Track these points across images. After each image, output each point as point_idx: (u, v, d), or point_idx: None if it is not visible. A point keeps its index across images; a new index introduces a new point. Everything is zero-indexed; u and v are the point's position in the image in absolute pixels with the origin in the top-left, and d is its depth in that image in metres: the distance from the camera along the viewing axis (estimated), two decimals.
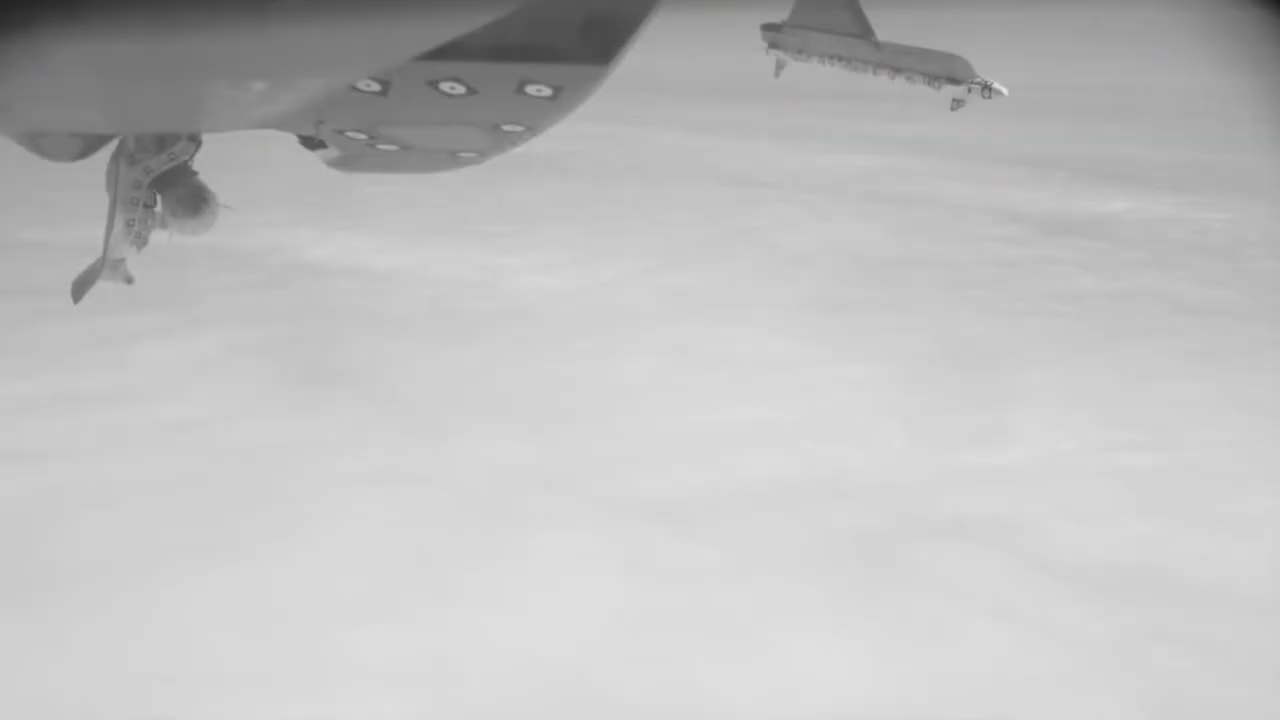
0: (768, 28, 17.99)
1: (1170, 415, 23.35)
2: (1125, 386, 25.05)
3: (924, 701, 14.45)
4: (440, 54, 3.76)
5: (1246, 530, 18.80)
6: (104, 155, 6.16)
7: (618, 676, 14.68)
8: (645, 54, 4.61)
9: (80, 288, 6.60)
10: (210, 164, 6.25)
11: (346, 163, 5.65)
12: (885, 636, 15.81)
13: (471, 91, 4.47)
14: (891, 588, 17.02)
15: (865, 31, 17.21)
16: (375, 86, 4.40)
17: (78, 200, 9.69)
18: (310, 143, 5.43)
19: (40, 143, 5.70)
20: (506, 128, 5.04)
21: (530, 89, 4.50)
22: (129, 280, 6.51)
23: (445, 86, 4.44)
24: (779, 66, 18.15)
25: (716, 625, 15.93)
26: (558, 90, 4.53)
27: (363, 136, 5.25)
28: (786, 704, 14.32)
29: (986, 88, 17.03)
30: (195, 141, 6.02)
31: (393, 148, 5.39)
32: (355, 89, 4.39)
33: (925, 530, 18.67)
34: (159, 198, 6.08)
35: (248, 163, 13.73)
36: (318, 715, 13.83)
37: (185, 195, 6.04)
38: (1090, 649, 15.73)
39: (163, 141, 5.88)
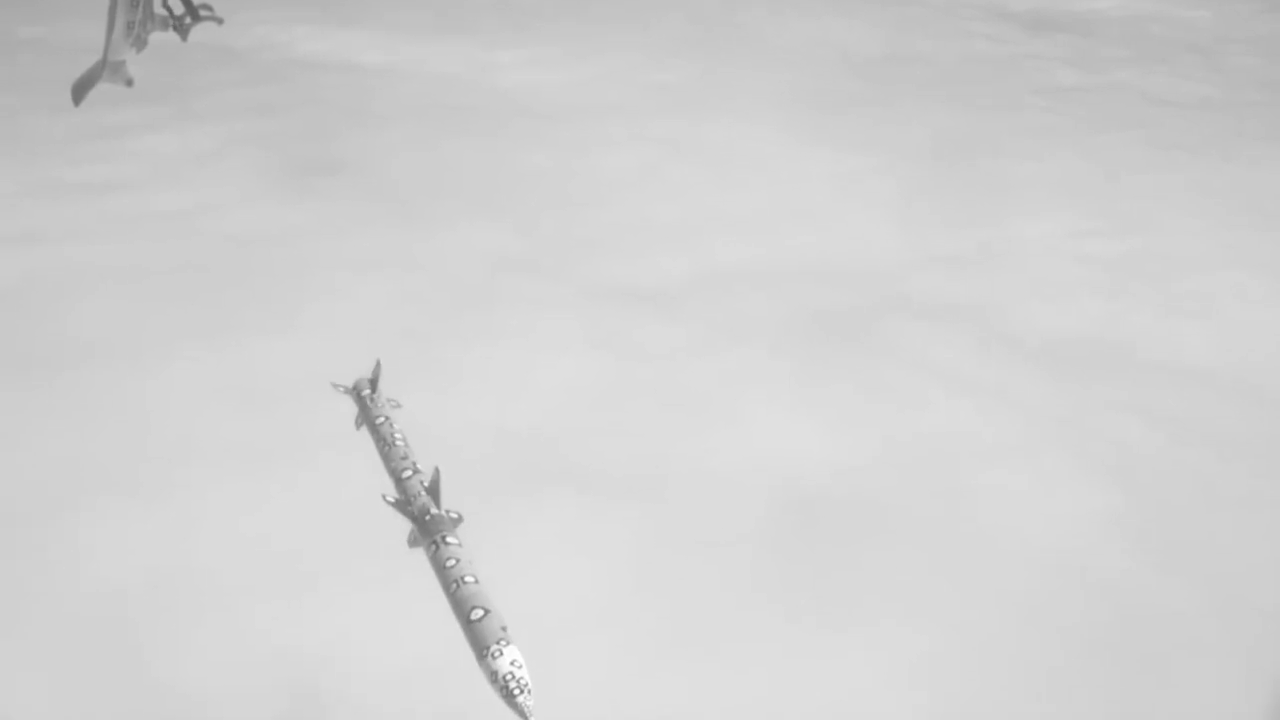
0: None
1: (1140, 204, 23.86)
2: (1100, 177, 25.53)
3: (881, 461, 15.03)
4: None
5: (1201, 310, 19.41)
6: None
7: (586, 444, 15.27)
8: None
9: (81, 89, 6.62)
10: None
11: None
12: (848, 403, 16.35)
13: None
14: (857, 361, 17.52)
15: None
16: None
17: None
18: None
19: None
20: None
21: None
22: (129, 82, 6.55)
23: None
24: None
25: (683, 397, 16.51)
26: None
27: None
28: (749, 461, 14.87)
29: None
30: None
31: None
32: None
33: (896, 309, 19.16)
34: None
35: None
36: (303, 479, 14.34)
37: None
38: (1049, 418, 16.25)
39: None
